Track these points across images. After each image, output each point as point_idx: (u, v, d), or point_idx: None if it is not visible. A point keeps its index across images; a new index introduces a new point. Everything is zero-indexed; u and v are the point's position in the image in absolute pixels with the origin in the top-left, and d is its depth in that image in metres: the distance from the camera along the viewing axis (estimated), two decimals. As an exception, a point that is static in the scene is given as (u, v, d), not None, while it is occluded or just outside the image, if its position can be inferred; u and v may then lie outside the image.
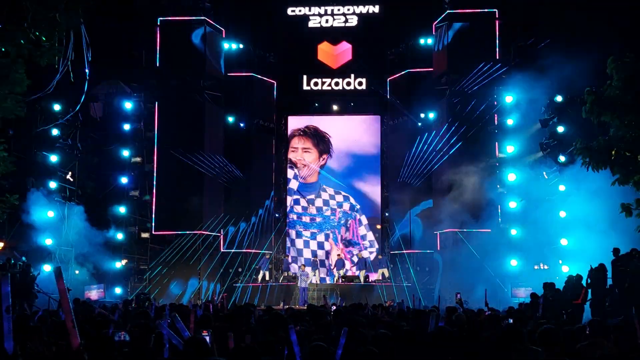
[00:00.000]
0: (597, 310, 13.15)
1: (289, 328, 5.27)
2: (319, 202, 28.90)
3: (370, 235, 28.76)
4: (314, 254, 28.14)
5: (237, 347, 4.78)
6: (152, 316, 9.91)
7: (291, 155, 29.37)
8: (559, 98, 23.66)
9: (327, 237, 28.58)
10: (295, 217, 28.86)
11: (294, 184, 29.09)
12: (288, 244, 28.69)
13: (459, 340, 6.66)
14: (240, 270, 26.88)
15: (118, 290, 24.20)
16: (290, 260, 27.64)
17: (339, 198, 28.87)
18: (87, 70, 13.97)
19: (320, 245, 28.46)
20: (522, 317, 9.93)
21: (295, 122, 29.67)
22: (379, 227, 28.91)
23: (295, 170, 29.13)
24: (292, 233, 28.81)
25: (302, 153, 29.24)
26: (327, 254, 27.91)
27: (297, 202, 29.08)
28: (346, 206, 28.83)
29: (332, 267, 27.28)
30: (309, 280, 24.89)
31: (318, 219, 28.72)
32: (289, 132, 29.54)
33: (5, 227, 20.61)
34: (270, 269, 26.75)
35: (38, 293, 18.25)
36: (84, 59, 13.49)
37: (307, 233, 28.63)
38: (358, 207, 28.86)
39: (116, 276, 25.02)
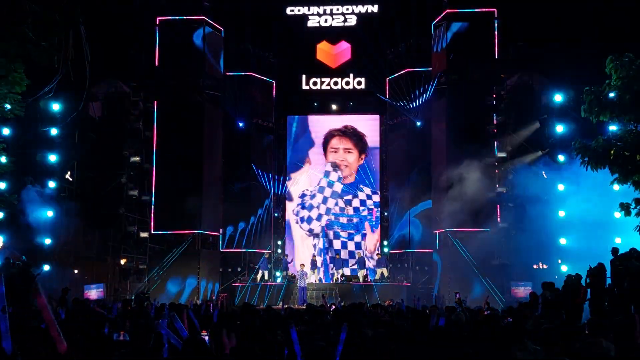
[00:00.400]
0: (596, 309, 13.14)
1: (289, 327, 5.26)
2: (355, 203, 28.84)
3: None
4: (352, 254, 28.19)
5: (237, 347, 4.77)
6: (151, 316, 9.91)
7: (332, 157, 29.13)
8: (557, 97, 23.70)
9: (364, 237, 28.60)
10: (333, 218, 28.73)
11: (337, 187, 28.86)
12: (326, 244, 28.52)
13: (458, 340, 6.66)
14: (239, 269, 26.91)
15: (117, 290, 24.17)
16: (312, 261, 27.33)
17: (376, 198, 28.89)
18: (87, 70, 13.95)
19: (358, 246, 28.43)
20: (521, 316, 9.92)
21: (292, 121, 29.63)
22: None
23: (339, 172, 28.93)
24: (330, 234, 28.65)
25: (343, 153, 29.10)
26: (337, 251, 28.00)
27: (337, 204, 28.90)
28: (370, 202, 28.95)
29: (330, 268, 27.31)
30: (308, 280, 24.89)
31: (355, 220, 28.67)
32: (326, 131, 29.37)
33: (4, 227, 20.56)
34: (270, 268, 26.74)
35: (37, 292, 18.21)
36: (84, 58, 13.45)
37: (344, 234, 28.56)
38: (374, 210, 28.94)
39: (115, 276, 25.03)
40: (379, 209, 28.84)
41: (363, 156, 29.18)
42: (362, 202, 28.85)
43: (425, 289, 25.09)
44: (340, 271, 26.45)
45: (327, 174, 28.93)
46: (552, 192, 23.06)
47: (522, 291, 21.05)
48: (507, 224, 23.90)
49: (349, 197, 28.91)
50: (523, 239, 23.51)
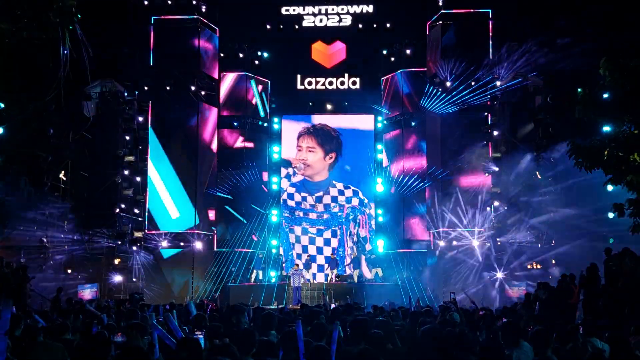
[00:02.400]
0: (590, 310, 13.18)
1: (296, 323, 5.26)
2: (326, 199, 28.60)
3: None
4: (320, 250, 27.98)
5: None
6: (146, 316, 9.87)
7: (298, 155, 28.92)
8: (551, 98, 23.80)
9: (334, 233, 28.32)
10: (301, 214, 28.51)
11: (297, 178, 28.76)
12: (292, 240, 28.39)
13: (453, 340, 6.66)
14: (233, 269, 26.87)
15: (111, 290, 24.09)
16: (295, 257, 27.32)
17: (348, 193, 28.58)
18: (87, 70, 13.92)
19: (327, 242, 28.23)
20: (515, 316, 9.96)
21: (288, 121, 29.56)
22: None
23: (294, 169, 28.77)
24: (298, 230, 28.46)
25: (306, 152, 28.90)
26: (334, 250, 27.77)
27: (304, 199, 28.70)
28: (355, 201, 28.58)
29: (325, 268, 27.25)
30: (302, 280, 24.87)
31: (325, 216, 28.46)
32: (298, 131, 29.18)
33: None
34: (264, 268, 26.72)
35: (31, 292, 18.17)
36: (79, 57, 13.41)
37: (313, 230, 28.35)
38: (366, 201, 28.61)
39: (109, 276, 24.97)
40: (350, 204, 28.57)
41: (333, 155, 28.80)
42: (334, 199, 28.64)
43: (419, 289, 25.08)
44: (334, 271, 26.43)
45: (294, 172, 28.95)
46: (546, 192, 23.17)
47: (516, 291, 21.13)
48: (501, 224, 23.94)
49: (320, 194, 28.70)
50: (518, 239, 23.62)
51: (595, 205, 18.71)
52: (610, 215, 14.66)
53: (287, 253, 28.18)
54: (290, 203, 28.72)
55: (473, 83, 24.56)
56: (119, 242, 25.40)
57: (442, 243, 24.63)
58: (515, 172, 23.83)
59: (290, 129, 29.34)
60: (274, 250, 28.18)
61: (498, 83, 24.67)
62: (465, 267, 23.58)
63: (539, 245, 23.58)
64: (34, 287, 18.62)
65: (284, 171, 29.05)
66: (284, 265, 27.17)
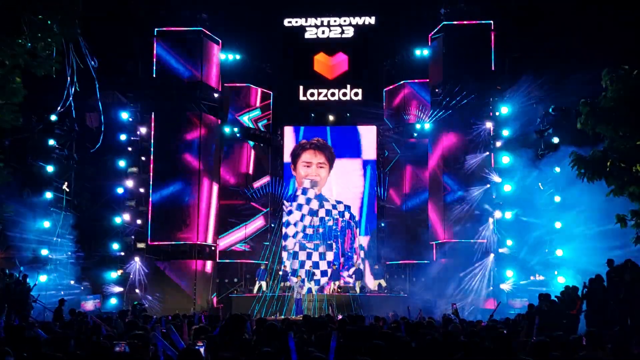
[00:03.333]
0: (593, 321, 13.14)
1: (288, 335, 5.26)
2: (322, 213, 28.56)
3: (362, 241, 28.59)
4: (316, 265, 27.84)
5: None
6: (148, 327, 9.87)
7: (304, 171, 28.80)
8: (553, 109, 23.83)
9: (329, 247, 28.23)
10: (300, 230, 28.43)
11: (314, 204, 28.54)
12: (288, 256, 28.24)
13: (454, 351, 6.65)
14: (235, 280, 26.86)
15: (114, 301, 24.09)
16: (290, 272, 27.26)
17: (340, 208, 28.56)
18: (96, 80, 14.06)
19: (322, 256, 28.11)
20: (515, 329, 9.93)
21: (290, 132, 29.60)
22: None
23: (316, 189, 28.57)
24: (296, 245, 28.35)
25: (317, 168, 28.82)
26: (329, 264, 27.66)
27: (303, 217, 28.61)
28: (347, 215, 28.58)
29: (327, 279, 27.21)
30: (304, 291, 24.85)
31: (320, 230, 28.32)
32: (295, 144, 29.18)
33: (1, 238, 20.53)
34: (267, 280, 26.71)
35: (34, 303, 18.16)
36: (83, 69, 13.52)
37: (310, 245, 28.28)
38: (357, 218, 28.59)
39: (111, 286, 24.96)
40: (343, 218, 28.53)
41: (331, 170, 28.97)
42: (328, 212, 28.55)
43: (421, 300, 25.02)
44: (336, 282, 26.42)
45: (305, 190, 28.68)
46: (548, 203, 23.14)
47: (519, 302, 21.05)
48: (503, 235, 23.89)
49: (315, 207, 28.67)
50: (519, 250, 23.58)
51: (599, 215, 18.68)
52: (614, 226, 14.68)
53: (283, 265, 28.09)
54: (298, 227, 28.63)
55: (474, 94, 24.65)
56: (122, 253, 25.41)
57: (444, 254, 24.58)
58: (518, 182, 23.85)
59: (293, 140, 29.43)
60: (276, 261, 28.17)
61: (500, 94, 24.74)
62: (467, 278, 23.52)
63: (542, 254, 23.53)
64: (36, 297, 18.62)
65: (311, 192, 28.82)
66: (280, 274, 27.12)
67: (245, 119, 28.43)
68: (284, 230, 28.49)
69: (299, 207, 28.62)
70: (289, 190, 29.00)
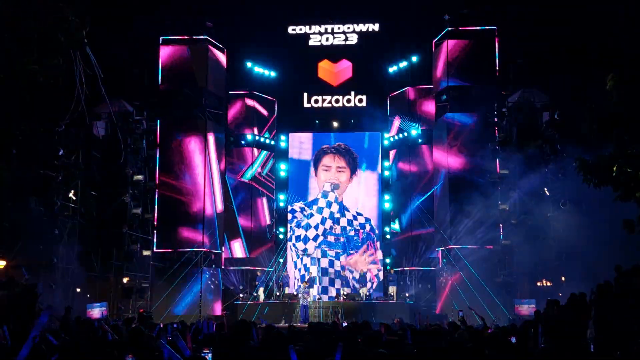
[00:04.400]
0: (602, 328, 13.01)
1: (288, 348, 5.23)
2: (343, 222, 28.46)
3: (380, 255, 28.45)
4: (337, 274, 27.80)
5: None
6: (154, 335, 9.84)
7: (323, 175, 28.75)
8: (559, 114, 23.79)
9: (350, 257, 28.15)
10: (321, 233, 28.30)
11: (335, 208, 28.40)
12: (312, 261, 28.08)
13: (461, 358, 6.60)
14: (241, 287, 26.82)
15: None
16: (308, 279, 27.00)
17: (361, 219, 28.49)
18: (103, 90, 14.05)
19: (344, 267, 28.02)
20: (524, 336, 9.85)
21: (295, 139, 29.59)
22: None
23: (336, 192, 28.41)
24: (317, 252, 28.20)
25: (336, 172, 28.76)
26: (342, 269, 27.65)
27: (324, 220, 28.50)
28: (367, 227, 28.47)
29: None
30: (310, 298, 24.78)
31: (342, 239, 28.25)
32: (317, 148, 29.14)
33: (8, 245, 20.53)
34: (280, 286, 26.69)
35: (40, 311, 18.11)
36: (89, 78, 13.52)
37: (332, 252, 28.15)
38: (377, 231, 28.46)
39: (118, 295, 24.97)
40: (365, 230, 28.44)
41: (354, 176, 28.94)
42: (349, 222, 28.50)
43: (428, 307, 24.96)
44: (344, 289, 26.37)
45: (325, 194, 28.60)
46: (555, 208, 23.06)
47: (526, 309, 20.90)
48: (510, 242, 23.80)
49: (337, 215, 28.60)
50: (526, 257, 23.47)
51: (606, 220, 18.59)
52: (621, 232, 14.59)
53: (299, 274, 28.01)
54: (319, 230, 28.51)
55: (479, 100, 24.61)
56: (128, 261, 25.42)
57: (451, 260, 24.51)
58: (524, 188, 23.79)
59: (299, 146, 29.38)
60: (281, 268, 28.14)
61: (504, 100, 24.68)
62: (474, 284, 23.42)
63: (549, 261, 23.43)
64: (43, 305, 18.60)
65: (331, 195, 28.66)
66: (282, 283, 27.07)
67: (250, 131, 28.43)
68: (302, 232, 28.38)
69: (320, 210, 28.49)
70: (292, 197, 28.96)
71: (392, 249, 28.38)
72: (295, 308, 24.33)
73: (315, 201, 28.76)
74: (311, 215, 28.61)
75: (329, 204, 28.45)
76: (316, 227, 28.39)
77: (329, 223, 28.36)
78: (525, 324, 12.06)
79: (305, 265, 28.11)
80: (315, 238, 28.35)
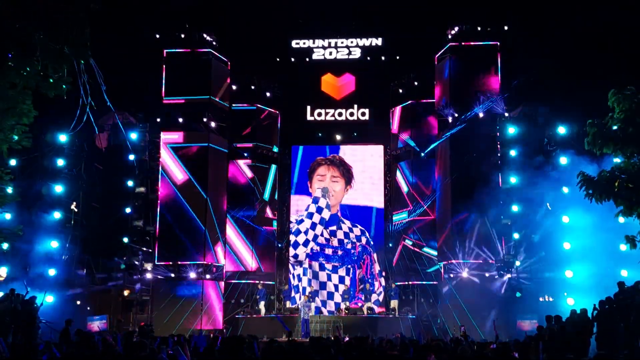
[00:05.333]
0: (604, 344, 13.00)
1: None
2: (340, 234, 28.41)
3: (377, 267, 28.31)
4: (336, 288, 27.64)
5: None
6: (154, 348, 9.83)
7: (317, 184, 28.71)
8: (561, 129, 23.83)
9: (348, 271, 28.00)
10: (318, 248, 28.22)
11: (326, 214, 28.36)
12: (309, 275, 27.88)
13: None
14: (242, 301, 26.74)
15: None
16: (310, 293, 26.84)
17: (357, 231, 28.43)
18: (108, 102, 14.12)
19: (342, 280, 27.87)
20: (525, 351, 9.84)
21: (297, 151, 29.62)
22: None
23: (328, 199, 28.39)
24: (315, 265, 28.05)
25: (330, 182, 28.75)
26: (348, 289, 27.35)
27: (314, 225, 28.41)
28: (364, 240, 28.43)
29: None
30: (311, 312, 24.70)
31: (339, 252, 28.13)
32: (315, 161, 29.15)
33: (9, 257, 20.55)
34: (280, 299, 26.62)
35: (40, 324, 18.09)
36: (93, 90, 13.60)
37: (329, 266, 28.06)
38: (372, 243, 28.40)
39: (118, 308, 24.92)
40: (360, 242, 28.38)
41: (348, 188, 28.92)
42: (346, 235, 28.47)
43: (430, 322, 24.86)
44: (345, 303, 26.28)
45: (316, 199, 28.52)
46: (556, 223, 23.04)
47: (528, 324, 20.85)
48: (512, 256, 23.77)
49: (333, 227, 28.52)
50: (528, 271, 23.43)
51: (607, 235, 18.57)
52: (623, 247, 14.59)
53: (293, 285, 27.90)
54: (309, 235, 28.43)
55: (481, 115, 24.68)
56: (129, 274, 25.39)
57: (453, 275, 24.45)
58: (525, 202, 23.79)
59: (302, 159, 29.48)
60: (283, 283, 28.08)
61: (506, 114, 24.73)
62: (476, 299, 23.37)
63: (550, 277, 23.37)
64: (43, 318, 18.57)
65: (322, 201, 28.64)
66: (283, 297, 27.03)
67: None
68: (292, 238, 28.36)
69: (310, 215, 28.45)
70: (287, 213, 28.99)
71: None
72: (296, 322, 24.25)
73: (306, 207, 28.74)
74: (301, 221, 28.59)
75: (320, 210, 28.40)
76: (306, 232, 28.34)
77: (319, 229, 28.30)
78: (528, 339, 12.06)
79: (298, 276, 28.04)
80: (305, 243, 28.27)
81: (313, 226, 28.35)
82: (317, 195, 28.55)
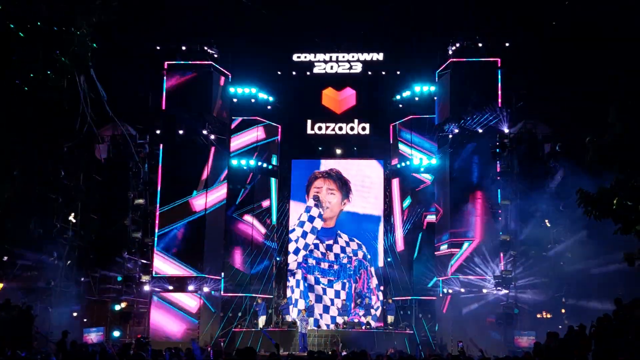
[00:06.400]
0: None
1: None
2: (336, 249, 28.43)
3: (375, 281, 28.30)
4: (332, 302, 27.65)
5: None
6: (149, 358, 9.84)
7: (313, 196, 28.75)
8: (560, 146, 23.95)
9: (343, 285, 27.98)
10: (314, 262, 28.24)
11: (318, 223, 28.43)
12: (301, 288, 27.96)
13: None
14: (239, 315, 26.68)
15: (117, 334, 23.93)
16: (307, 308, 26.60)
17: (354, 246, 28.43)
18: (110, 112, 14.25)
19: (337, 294, 27.85)
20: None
21: (297, 165, 29.70)
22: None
23: (320, 208, 28.44)
24: (311, 279, 28.09)
25: (326, 194, 28.75)
26: (344, 304, 27.37)
27: (316, 246, 28.47)
28: (360, 254, 28.42)
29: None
30: (309, 327, 24.67)
31: (335, 267, 28.13)
32: (313, 174, 29.20)
33: (6, 268, 20.55)
34: (279, 313, 26.56)
35: (36, 334, 18.06)
36: (94, 100, 13.70)
37: (324, 280, 28.04)
38: (369, 257, 28.41)
39: (115, 319, 24.84)
40: (356, 257, 28.38)
41: (346, 202, 28.94)
42: (342, 249, 28.48)
43: (427, 337, 24.82)
44: (344, 317, 26.26)
45: (308, 209, 28.53)
46: (555, 239, 23.11)
47: (526, 341, 20.81)
48: (510, 272, 23.79)
49: (330, 242, 28.60)
50: (527, 288, 23.43)
51: (607, 252, 18.63)
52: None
53: (290, 299, 27.87)
54: (299, 244, 28.50)
55: (481, 131, 24.80)
56: (126, 285, 25.34)
57: (450, 290, 24.45)
58: (524, 219, 23.84)
59: (298, 173, 29.53)
60: (280, 297, 28.03)
61: (506, 131, 24.86)
62: (473, 315, 23.37)
63: (549, 294, 23.38)
64: (39, 329, 18.54)
65: (315, 211, 28.65)
66: (281, 310, 26.99)
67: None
68: (311, 262, 28.37)
69: (301, 224, 28.53)
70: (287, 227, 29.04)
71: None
72: (294, 336, 24.19)
73: (299, 216, 28.84)
74: (292, 230, 28.67)
75: (311, 219, 28.42)
76: (297, 240, 28.42)
77: (311, 238, 28.33)
78: (526, 355, 12.04)
79: (291, 287, 28.08)
80: (295, 251, 28.35)
81: (304, 235, 28.41)
82: (309, 205, 28.60)
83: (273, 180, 29.28)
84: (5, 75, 13.73)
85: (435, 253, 25.92)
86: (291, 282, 28.13)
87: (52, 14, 13.02)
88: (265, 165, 28.79)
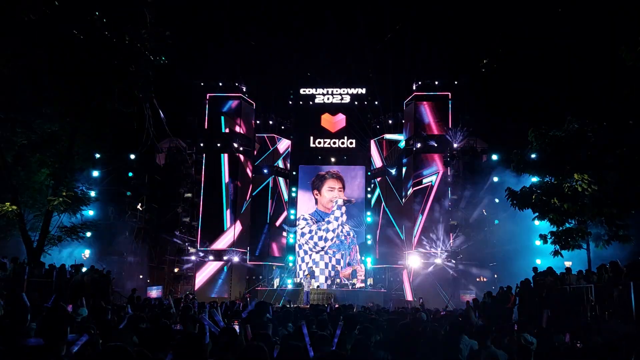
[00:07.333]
0: (523, 312, 13.00)
1: (300, 323, 5.24)
2: (338, 230, 27.88)
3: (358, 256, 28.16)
4: (333, 268, 27.30)
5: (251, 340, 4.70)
6: (195, 310, 9.83)
7: (329, 194, 28.22)
8: (494, 156, 23.99)
9: (343, 256, 27.61)
10: (336, 236, 27.64)
11: (343, 219, 27.76)
12: (309, 259, 27.61)
13: (421, 332, 6.61)
14: (260, 277, 26.70)
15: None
16: (310, 272, 26.33)
17: (347, 228, 28.17)
18: (167, 130, 14.26)
19: (337, 261, 27.58)
20: (466, 316, 9.84)
21: (303, 169, 29.62)
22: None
23: (343, 208, 27.85)
24: (315, 254, 27.62)
25: (338, 192, 28.47)
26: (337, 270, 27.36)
27: (339, 226, 27.77)
28: (352, 234, 28.09)
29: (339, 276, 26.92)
30: (312, 286, 24.65)
31: (337, 241, 27.76)
32: (322, 175, 28.69)
33: (92, 242, 20.51)
34: (283, 277, 26.51)
35: (113, 291, 17.99)
36: (155, 121, 13.72)
37: (330, 252, 27.59)
38: (356, 237, 28.07)
39: (170, 280, 24.87)
40: (349, 236, 28.01)
41: (341, 194, 28.67)
42: (342, 230, 27.94)
43: (396, 294, 24.82)
44: (337, 280, 26.26)
45: (340, 207, 28.01)
46: (491, 225, 23.15)
47: (468, 297, 20.85)
48: (458, 248, 23.79)
49: (330, 224, 28.09)
50: (470, 259, 23.41)
51: (527, 235, 18.63)
52: (537, 243, 14.66)
53: (299, 265, 27.74)
54: (332, 226, 28.02)
55: (436, 144, 24.86)
56: (178, 255, 25.40)
57: (414, 261, 24.44)
58: (469, 209, 23.87)
59: (303, 175, 29.45)
60: (290, 264, 28.01)
61: (455, 145, 24.85)
62: (430, 279, 23.36)
63: (486, 262, 23.41)
64: (115, 287, 18.51)
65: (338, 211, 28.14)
66: (299, 272, 26.90)
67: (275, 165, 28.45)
68: (323, 234, 27.74)
69: (337, 218, 27.93)
70: (296, 214, 28.85)
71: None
72: (300, 293, 24.21)
73: (324, 214, 28.20)
74: (330, 222, 27.93)
75: (342, 214, 27.98)
76: (333, 231, 27.65)
77: (339, 229, 27.96)
78: (467, 306, 12.05)
79: (302, 258, 27.71)
80: (332, 239, 27.69)
81: (340, 226, 27.74)
82: (340, 204, 27.80)
83: (282, 180, 29.15)
84: (90, 106, 13.68)
85: (403, 234, 25.87)
86: (301, 254, 28.01)
87: (122, 54, 13.02)
88: (279, 169, 28.71)
